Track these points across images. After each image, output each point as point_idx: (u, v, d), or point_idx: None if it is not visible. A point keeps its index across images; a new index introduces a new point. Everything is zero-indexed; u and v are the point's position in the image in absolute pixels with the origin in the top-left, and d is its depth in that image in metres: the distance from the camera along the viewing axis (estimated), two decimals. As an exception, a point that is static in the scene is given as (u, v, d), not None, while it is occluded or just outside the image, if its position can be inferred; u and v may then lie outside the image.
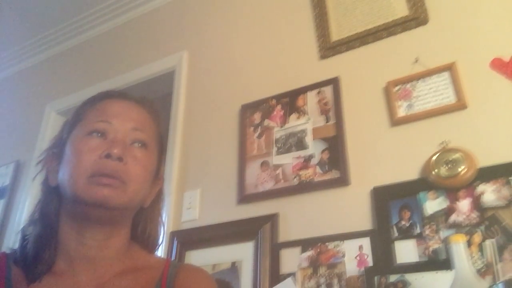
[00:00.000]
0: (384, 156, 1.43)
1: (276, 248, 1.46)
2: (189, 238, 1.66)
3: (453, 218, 1.23)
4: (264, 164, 1.63)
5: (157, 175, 0.81)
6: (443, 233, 1.22)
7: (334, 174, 1.48)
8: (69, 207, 0.72)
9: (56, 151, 0.77)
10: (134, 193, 0.72)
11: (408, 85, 1.47)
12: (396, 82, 1.50)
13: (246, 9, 2.06)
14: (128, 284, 0.72)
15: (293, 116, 1.67)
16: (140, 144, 0.75)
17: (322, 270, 1.35)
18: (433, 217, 1.26)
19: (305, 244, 1.42)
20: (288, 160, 1.59)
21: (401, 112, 1.45)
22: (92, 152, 0.70)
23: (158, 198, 0.83)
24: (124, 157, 0.70)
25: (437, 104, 1.40)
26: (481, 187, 1.23)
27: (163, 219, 0.85)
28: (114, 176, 0.69)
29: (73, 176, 0.69)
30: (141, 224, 0.80)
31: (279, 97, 1.73)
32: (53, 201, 0.74)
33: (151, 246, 0.81)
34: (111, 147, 0.70)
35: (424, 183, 1.31)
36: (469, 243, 1.15)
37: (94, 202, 0.68)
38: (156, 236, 0.82)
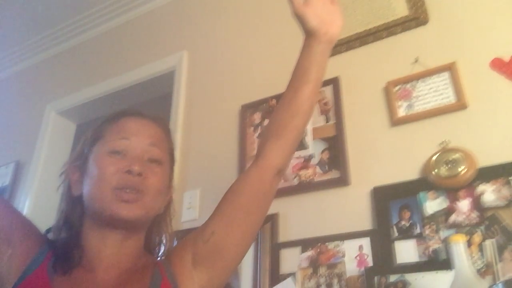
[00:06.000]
0: (384, 156, 1.43)
1: (276, 248, 1.46)
2: (189, 238, 1.66)
3: (453, 218, 1.23)
4: (264, 164, 1.63)
5: (169, 184, 0.92)
6: (443, 233, 1.22)
7: (334, 174, 1.48)
8: (92, 214, 0.83)
9: (78, 164, 0.87)
10: (151, 204, 0.83)
11: (408, 85, 1.47)
12: (396, 82, 1.50)
13: (246, 9, 2.06)
14: (138, 276, 0.82)
15: (293, 116, 1.66)
16: (155, 160, 0.85)
17: (322, 270, 1.35)
18: (433, 217, 1.26)
19: (305, 244, 1.42)
20: (288, 160, 1.59)
21: (401, 112, 1.45)
22: (114, 166, 0.81)
23: (169, 205, 0.94)
24: (143, 172, 0.81)
25: (437, 104, 1.40)
26: (481, 187, 1.23)
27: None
28: (135, 189, 0.80)
29: (99, 188, 0.81)
30: (154, 229, 0.92)
31: (279, 97, 1.72)
32: (77, 209, 0.85)
33: (159, 248, 0.93)
34: (131, 164, 0.81)
35: (424, 183, 1.30)
36: (469, 243, 1.15)
37: (116, 217, 0.79)
38: (163, 239, 0.93)
